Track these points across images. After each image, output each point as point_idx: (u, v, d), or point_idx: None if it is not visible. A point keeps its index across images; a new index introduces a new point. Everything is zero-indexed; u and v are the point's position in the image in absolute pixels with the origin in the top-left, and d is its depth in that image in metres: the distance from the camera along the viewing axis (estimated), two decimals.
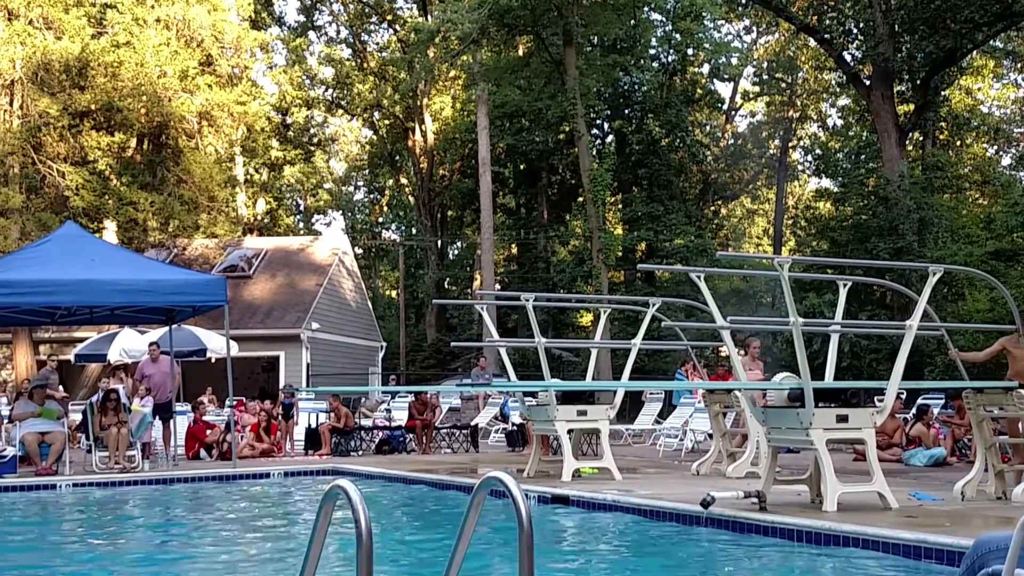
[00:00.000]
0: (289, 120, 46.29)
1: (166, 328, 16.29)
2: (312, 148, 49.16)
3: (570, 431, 11.77)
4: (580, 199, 36.36)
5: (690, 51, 38.50)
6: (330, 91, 46.51)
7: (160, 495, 12.03)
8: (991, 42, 32.18)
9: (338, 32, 46.96)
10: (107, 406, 14.04)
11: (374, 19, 45.65)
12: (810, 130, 49.23)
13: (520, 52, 34.50)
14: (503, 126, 36.83)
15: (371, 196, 54.81)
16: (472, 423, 18.90)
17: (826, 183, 38.95)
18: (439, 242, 43.76)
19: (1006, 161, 41.11)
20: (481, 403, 20.84)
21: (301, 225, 52.82)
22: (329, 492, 2.99)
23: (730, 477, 11.34)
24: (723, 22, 41.26)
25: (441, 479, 12.00)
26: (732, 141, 47.62)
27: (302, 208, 54.73)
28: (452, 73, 41.46)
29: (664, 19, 37.25)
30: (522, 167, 40.38)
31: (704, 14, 35.64)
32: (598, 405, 12.30)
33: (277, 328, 27.50)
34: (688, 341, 15.15)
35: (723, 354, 25.27)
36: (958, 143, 36.85)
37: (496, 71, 32.91)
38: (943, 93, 31.78)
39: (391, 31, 45.06)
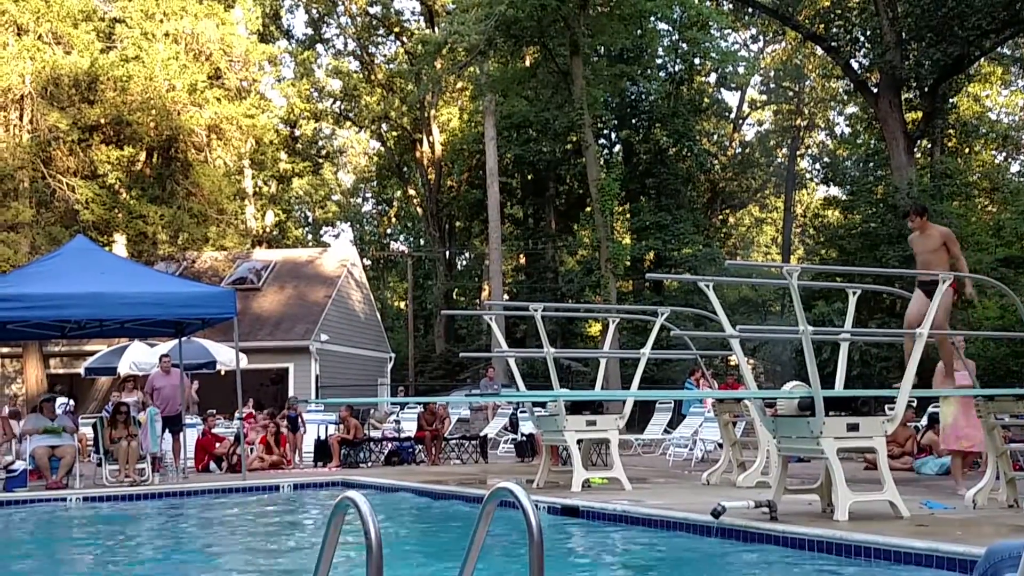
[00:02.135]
0: (297, 133, 46.45)
1: (176, 341, 16.33)
2: (320, 160, 49.31)
3: (579, 441, 11.76)
4: (588, 209, 36.37)
5: (697, 60, 38.53)
6: (338, 103, 46.66)
7: (170, 508, 12.03)
8: (999, 49, 32.13)
9: (346, 45, 47.18)
10: (117, 419, 14.06)
11: (381, 31, 45.80)
12: (818, 138, 49.22)
13: (527, 63, 34.58)
14: (510, 137, 36.88)
15: (379, 208, 54.93)
16: (481, 434, 18.88)
17: (834, 191, 38.93)
18: (447, 253, 43.80)
19: (1015, 168, 41.03)
20: (490, 414, 20.82)
21: (310, 237, 52.95)
22: (339, 504, 2.99)
23: (740, 487, 11.30)
24: (730, 31, 41.28)
25: (451, 490, 11.98)
26: (740, 150, 47.60)
27: (311, 220, 54.88)
28: (459, 84, 41.58)
29: (671, 29, 37.29)
30: (530, 177, 40.43)
31: (711, 23, 35.65)
32: (607, 415, 12.28)
33: (286, 340, 27.53)
34: (697, 350, 15.12)
35: (732, 363, 25.25)
36: (966, 150, 36.76)
37: (503, 82, 32.97)
38: (951, 100, 31.72)
39: (398, 43, 45.21)
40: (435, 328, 42.34)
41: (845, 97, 40.99)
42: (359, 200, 55.93)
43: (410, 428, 18.76)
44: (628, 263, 32.19)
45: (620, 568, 7.72)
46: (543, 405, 13.59)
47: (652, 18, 35.02)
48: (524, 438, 17.74)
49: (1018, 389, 9.66)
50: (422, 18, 43.46)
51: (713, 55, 37.82)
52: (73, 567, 8.15)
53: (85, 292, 12.93)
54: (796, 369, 24.41)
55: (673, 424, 18.50)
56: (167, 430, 15.03)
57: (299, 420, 17.88)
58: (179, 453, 15.33)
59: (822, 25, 30.09)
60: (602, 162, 33.06)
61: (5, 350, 28.14)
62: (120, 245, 27.61)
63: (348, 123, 47.95)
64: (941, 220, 26.16)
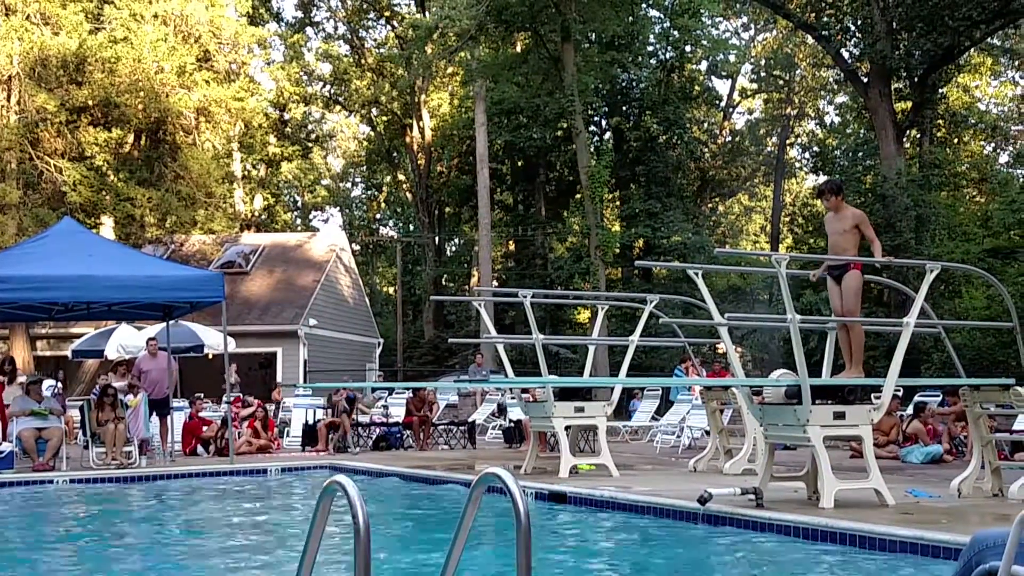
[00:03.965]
0: (287, 116, 46.25)
1: (163, 324, 16.29)
2: (310, 144, 49.11)
3: (567, 428, 11.78)
4: (578, 196, 36.36)
5: (688, 48, 38.49)
6: (328, 87, 46.48)
7: (157, 491, 12.01)
8: (989, 39, 32.20)
9: (336, 28, 46.95)
10: (104, 402, 14.02)
11: (372, 15, 45.62)
12: (808, 127, 49.27)
13: (518, 49, 34.49)
14: (501, 123, 36.82)
15: (369, 192, 54.80)
16: (470, 419, 18.91)
17: (823, 180, 38.98)
18: (437, 239, 43.74)
19: (1003, 159, 41.18)
20: (479, 399, 20.85)
21: (299, 221, 52.78)
22: (327, 488, 2.98)
23: (727, 474, 11.35)
24: (721, 19, 41.27)
25: (439, 475, 12.00)
26: (730, 138, 47.62)
27: (300, 204, 54.71)
28: (450, 69, 41.45)
29: (662, 16, 37.24)
30: (520, 164, 40.37)
31: (702, 11, 35.63)
32: (595, 402, 12.30)
33: (275, 324, 27.49)
34: (685, 338, 15.16)
35: (720, 351, 25.31)
36: (956, 141, 36.87)
37: (494, 67, 32.88)
38: (941, 90, 31.80)
39: (389, 27, 45.04)
40: (424, 314, 42.32)
41: (835, 86, 41.05)
42: (348, 185, 55.80)
43: (398, 413, 18.76)
44: (617, 250, 32.23)
45: (607, 554, 7.75)
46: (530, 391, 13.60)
47: (643, 5, 34.98)
48: (512, 424, 17.77)
49: (1004, 379, 9.69)
50: (413, 2, 43.29)
51: (704, 43, 37.81)
52: (57, 549, 8.13)
53: (72, 274, 12.87)
54: (784, 357, 24.52)
55: (661, 411, 18.55)
56: (154, 413, 14.99)
57: (356, 404, 17.70)
58: (166, 436, 15.30)
59: (813, 14, 30.10)
60: (592, 149, 33.06)
61: None
62: (108, 227, 27.48)
63: (338, 107, 47.77)
64: (929, 210, 26.36)
